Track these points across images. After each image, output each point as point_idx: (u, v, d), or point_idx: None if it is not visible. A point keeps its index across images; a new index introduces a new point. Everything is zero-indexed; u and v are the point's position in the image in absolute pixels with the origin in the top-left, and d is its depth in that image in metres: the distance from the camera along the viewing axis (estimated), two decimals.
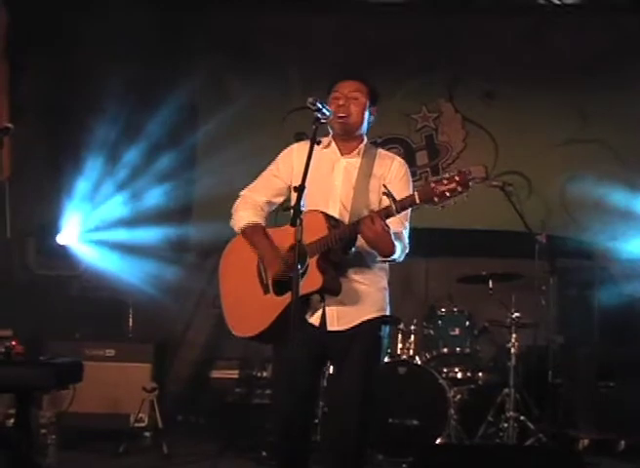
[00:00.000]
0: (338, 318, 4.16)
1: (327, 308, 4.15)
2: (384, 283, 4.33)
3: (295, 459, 4.26)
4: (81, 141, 7.67)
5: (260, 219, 4.34)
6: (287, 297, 3.97)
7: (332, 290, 4.06)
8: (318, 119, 3.99)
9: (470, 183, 3.81)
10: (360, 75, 4.37)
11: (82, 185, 7.61)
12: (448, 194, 3.82)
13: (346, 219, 4.16)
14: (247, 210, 4.35)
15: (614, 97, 8.03)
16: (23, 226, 7.33)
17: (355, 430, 4.16)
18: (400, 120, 8.43)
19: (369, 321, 4.22)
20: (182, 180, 8.07)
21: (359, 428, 4.17)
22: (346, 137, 4.32)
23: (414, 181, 7.89)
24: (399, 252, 4.10)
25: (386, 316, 4.32)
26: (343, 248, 4.07)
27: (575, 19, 8.11)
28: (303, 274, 3.97)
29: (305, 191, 3.82)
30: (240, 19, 8.23)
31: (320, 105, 3.97)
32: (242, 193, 4.44)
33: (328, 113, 4.02)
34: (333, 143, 4.33)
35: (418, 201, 3.88)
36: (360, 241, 4.08)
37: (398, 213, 3.93)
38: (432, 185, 3.85)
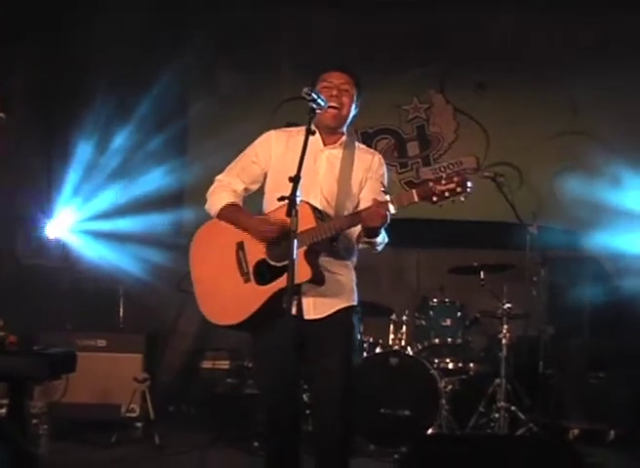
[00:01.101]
0: (314, 307, 4.19)
1: (303, 298, 4.17)
2: (354, 275, 4.37)
3: (284, 450, 4.25)
4: (71, 131, 7.66)
5: (239, 202, 4.33)
6: (271, 287, 4.02)
7: (319, 280, 4.08)
8: (313, 109, 3.99)
9: (469, 184, 3.84)
10: (348, 67, 4.38)
11: (72, 175, 7.60)
12: (447, 194, 3.88)
13: (329, 211, 4.20)
14: (224, 192, 4.33)
15: (603, 89, 8.05)
16: (13, 217, 7.30)
17: (337, 424, 4.18)
18: (391, 111, 8.44)
19: (343, 309, 4.26)
20: (173, 166, 8.03)
21: (341, 422, 4.19)
22: (333, 129, 4.33)
23: (405, 172, 8.28)
24: (382, 237, 4.17)
25: (356, 306, 4.35)
26: (331, 240, 4.10)
27: (565, 13, 8.11)
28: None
29: (278, 179, 3.91)
30: (233, 11, 8.20)
31: (315, 96, 3.97)
32: (218, 178, 4.41)
33: (323, 103, 4.02)
34: (317, 133, 4.28)
35: (416, 199, 3.92)
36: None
37: (396, 210, 3.95)
38: (430, 185, 3.90)
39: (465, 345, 6.96)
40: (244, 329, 4.22)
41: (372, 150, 4.50)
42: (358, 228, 4.13)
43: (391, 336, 6.85)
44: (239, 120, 7.94)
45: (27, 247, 7.40)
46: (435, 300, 7.03)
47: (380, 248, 4.24)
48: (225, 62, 8.21)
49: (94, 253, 7.64)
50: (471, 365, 6.89)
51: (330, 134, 4.33)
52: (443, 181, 3.87)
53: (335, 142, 4.34)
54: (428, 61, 8.26)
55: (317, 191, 4.23)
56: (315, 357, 4.22)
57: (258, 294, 4.07)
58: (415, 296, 7.49)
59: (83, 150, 7.64)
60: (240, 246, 4.21)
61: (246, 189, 4.38)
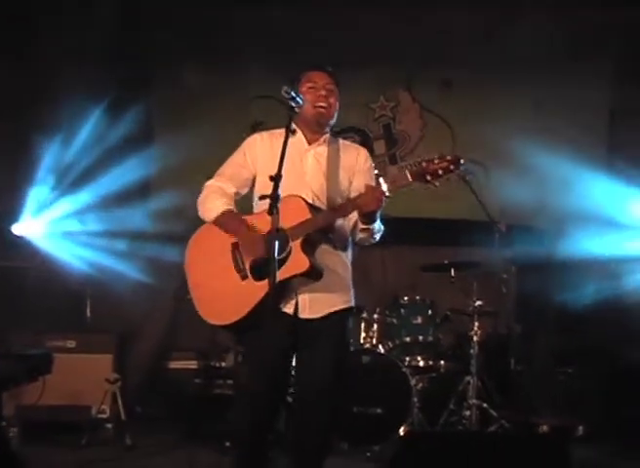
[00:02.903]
0: (310, 306, 4.19)
1: (299, 296, 4.17)
2: (350, 272, 4.40)
3: (258, 450, 4.26)
4: (36, 130, 7.56)
5: (232, 207, 4.32)
6: (267, 283, 3.94)
7: (316, 272, 4.08)
8: (292, 108, 4.03)
9: (462, 161, 3.88)
10: (327, 67, 4.42)
11: (38, 175, 7.52)
12: (440, 172, 3.93)
13: (321, 207, 4.20)
14: (218, 199, 4.31)
15: (568, 86, 8.11)
16: None
17: (324, 425, 4.24)
18: (358, 109, 8.42)
19: (338, 311, 4.27)
20: (139, 161, 7.93)
21: (327, 423, 4.25)
22: (318, 128, 4.36)
23: None
24: (378, 224, 4.21)
25: (352, 307, 4.38)
26: (326, 231, 4.11)
27: (531, 11, 8.16)
28: (286, 258, 3.99)
29: (266, 181, 3.86)
30: (202, 9, 8.15)
31: (294, 94, 3.99)
32: (208, 183, 4.40)
33: (301, 102, 4.04)
34: (299, 133, 4.33)
35: (410, 179, 3.95)
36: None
37: (391, 193, 3.97)
38: (424, 165, 3.94)
39: (436, 343, 6.96)
40: (244, 327, 4.16)
41: (356, 145, 4.54)
42: (353, 219, 4.15)
43: (362, 335, 6.86)
44: (207, 116, 7.96)
45: None
46: (406, 298, 7.02)
47: (377, 236, 4.26)
48: (193, 60, 8.14)
49: (61, 252, 7.57)
50: (442, 362, 6.89)
51: (314, 132, 4.36)
52: (436, 160, 3.93)
53: (318, 140, 4.35)
54: (395, 59, 8.23)
55: (307, 190, 4.24)
56: (305, 357, 4.23)
57: (255, 290, 4.04)
58: (384, 294, 7.47)
59: (48, 149, 7.55)
60: (236, 245, 4.20)
61: (237, 193, 4.38)
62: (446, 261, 6.91)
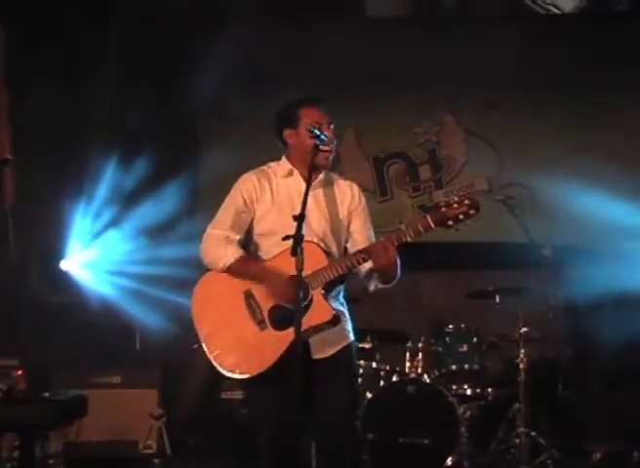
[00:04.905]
0: (322, 346, 4.10)
1: (310, 338, 4.06)
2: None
3: None
4: (82, 168, 7.66)
5: (242, 252, 4.17)
6: (291, 332, 3.83)
7: (337, 320, 4.00)
8: (317, 146, 3.97)
9: (479, 204, 3.83)
10: (323, 101, 4.26)
11: (86, 210, 7.61)
12: (461, 217, 3.86)
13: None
14: (227, 246, 4.14)
15: (616, 105, 8.00)
16: (27, 252, 7.31)
17: (351, 457, 4.11)
18: (402, 134, 8.40)
19: (347, 346, 4.20)
20: (183, 194, 7.98)
21: (354, 455, 4.15)
22: (317, 169, 4.14)
23: (417, 196, 8.23)
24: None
25: (354, 340, 4.29)
26: (341, 279, 4.06)
27: (574, 28, 8.09)
28: (308, 306, 3.90)
29: (272, 224, 3.98)
30: (246, 42, 8.17)
31: (318, 132, 3.95)
32: (210, 231, 4.22)
33: (325, 139, 3.99)
34: (296, 172, 4.19)
35: (432, 226, 3.89)
36: None
37: (412, 239, 3.91)
38: (443, 210, 3.88)
39: (483, 370, 6.85)
40: (265, 378, 4.00)
41: (347, 182, 4.35)
42: (367, 266, 4.08)
43: (407, 364, 6.81)
44: (252, 143, 7.93)
45: (43, 283, 7.39)
46: (451, 326, 6.91)
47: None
48: (237, 91, 8.16)
49: (106, 288, 7.63)
50: (489, 390, 6.80)
51: (312, 171, 4.07)
52: (455, 205, 3.87)
53: (314, 180, 4.14)
54: (435, 80, 8.16)
55: (312, 233, 4.07)
56: (322, 395, 4.11)
57: (279, 340, 3.94)
58: (429, 322, 7.38)
59: (97, 186, 7.64)
60: (248, 294, 4.07)
61: (240, 240, 4.20)
62: (490, 288, 6.81)
